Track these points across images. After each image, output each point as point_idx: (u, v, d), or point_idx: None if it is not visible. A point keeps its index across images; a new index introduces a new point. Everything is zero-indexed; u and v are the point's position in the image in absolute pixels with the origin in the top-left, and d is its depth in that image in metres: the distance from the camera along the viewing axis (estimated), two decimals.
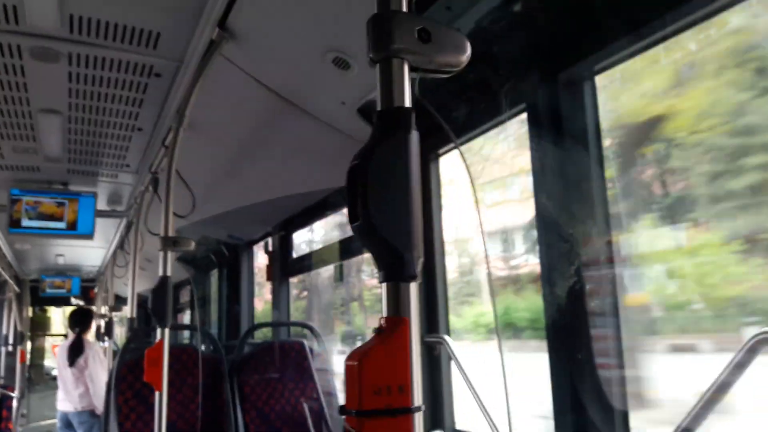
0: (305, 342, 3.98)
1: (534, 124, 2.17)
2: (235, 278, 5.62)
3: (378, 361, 0.71)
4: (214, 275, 6.64)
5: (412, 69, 0.84)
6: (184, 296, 8.12)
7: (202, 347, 4.48)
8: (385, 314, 0.76)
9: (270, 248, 4.85)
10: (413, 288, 0.77)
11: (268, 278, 4.82)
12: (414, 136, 0.79)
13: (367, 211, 0.74)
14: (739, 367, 1.52)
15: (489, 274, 0.93)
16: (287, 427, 3.66)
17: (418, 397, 0.74)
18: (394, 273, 0.76)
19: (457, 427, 2.81)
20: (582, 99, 2.06)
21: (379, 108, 0.81)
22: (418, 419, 0.73)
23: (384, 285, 0.77)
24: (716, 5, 1.68)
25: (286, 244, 4.77)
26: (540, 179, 2.14)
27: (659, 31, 1.81)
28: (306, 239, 4.93)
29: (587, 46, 1.99)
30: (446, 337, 2.76)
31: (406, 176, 0.77)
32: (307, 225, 4.61)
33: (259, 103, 2.71)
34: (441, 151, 2.86)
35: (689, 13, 1.73)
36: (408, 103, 0.81)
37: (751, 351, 1.49)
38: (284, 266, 4.75)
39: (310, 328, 4.13)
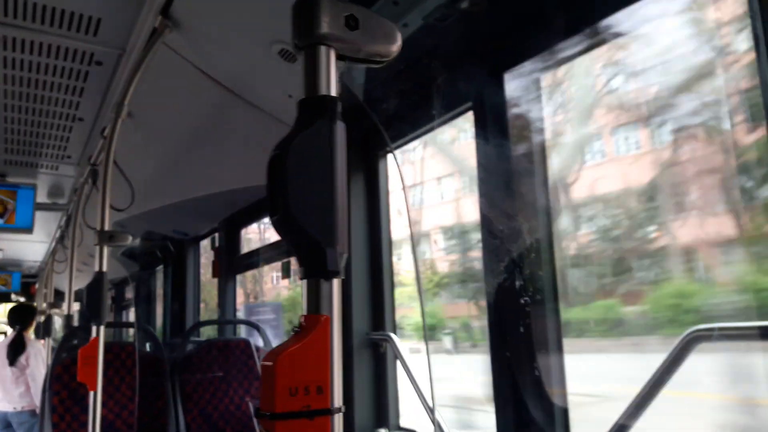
0: (251, 340, 3.92)
1: (479, 122, 2.16)
2: (180, 275, 5.51)
3: (295, 361, 0.68)
4: (161, 272, 6.51)
5: (339, 57, 0.81)
6: (130, 293, 7.94)
7: (147, 345, 4.37)
8: (305, 312, 0.73)
9: (216, 244, 4.76)
10: (336, 285, 0.74)
11: (214, 275, 4.73)
12: (339, 127, 0.76)
13: (286, 204, 0.71)
14: (673, 364, 1.54)
15: (417, 275, 0.90)
16: (231, 426, 3.60)
17: (338, 399, 0.71)
18: (315, 269, 0.73)
19: (402, 425, 2.80)
20: (526, 97, 2.07)
21: (304, 96, 0.78)
22: (338, 421, 0.70)
23: (304, 281, 0.74)
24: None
25: (233, 240, 4.68)
26: (484, 176, 2.14)
27: (604, 31, 1.82)
28: (254, 236, 4.86)
29: (532, 45, 2.00)
30: (392, 335, 2.75)
31: (330, 168, 0.74)
32: (255, 221, 4.54)
33: (203, 94, 2.64)
34: (393, 145, 2.84)
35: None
36: (334, 91, 0.78)
37: (686, 348, 1.51)
38: (231, 263, 4.67)
39: (256, 327, 4.06)
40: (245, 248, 4.72)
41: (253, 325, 4.13)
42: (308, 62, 0.79)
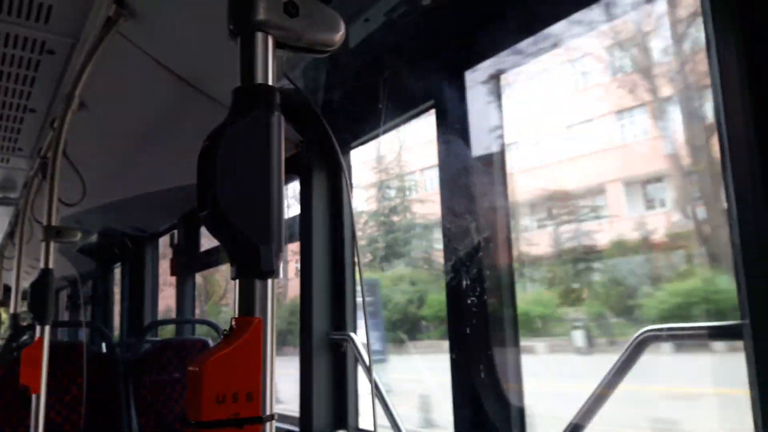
0: (209, 340, 3.84)
1: (441, 120, 2.15)
2: (138, 273, 5.39)
3: (223, 366, 0.63)
4: (119, 269, 6.37)
5: (278, 45, 0.77)
6: (86, 291, 7.77)
7: (103, 346, 4.27)
8: (236, 314, 0.69)
9: (175, 241, 4.66)
10: (269, 285, 0.70)
11: (172, 273, 4.64)
12: (277, 118, 0.72)
13: (216, 198, 0.67)
14: (626, 364, 1.55)
15: (361, 279, 0.87)
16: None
17: (269, 406, 0.67)
18: (248, 268, 0.68)
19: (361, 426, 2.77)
20: (487, 96, 2.06)
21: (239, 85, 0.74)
22: (270, 429, 0.66)
23: (236, 282, 0.70)
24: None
25: (192, 238, 4.59)
26: (446, 175, 2.12)
27: (562, 33, 1.82)
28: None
29: (493, 45, 1.99)
30: (352, 335, 2.72)
31: (265, 161, 0.69)
32: None
33: (160, 86, 2.58)
34: (353, 144, 2.82)
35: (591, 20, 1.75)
36: (271, 81, 0.74)
37: (637, 349, 1.52)
38: (190, 260, 4.58)
39: (215, 327, 3.99)
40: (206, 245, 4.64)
41: (211, 325, 4.05)
42: (244, 49, 0.75)
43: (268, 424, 0.66)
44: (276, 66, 0.76)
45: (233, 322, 0.68)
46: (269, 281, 0.70)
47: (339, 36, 0.82)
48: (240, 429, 0.63)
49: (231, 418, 0.63)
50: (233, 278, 0.70)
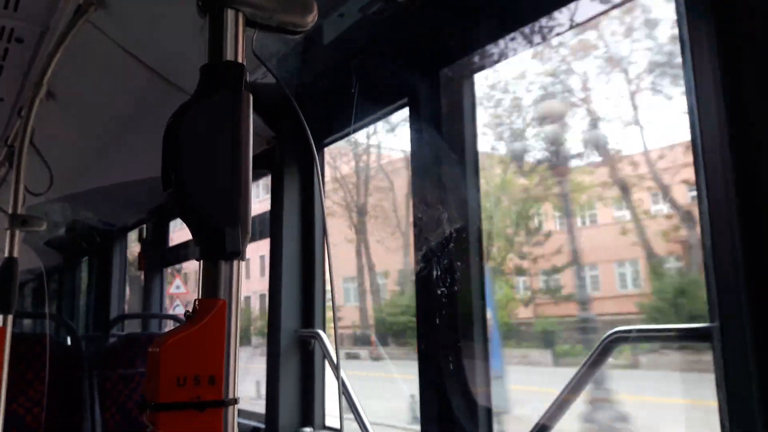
0: None
1: (414, 117, 2.15)
2: (106, 266, 5.31)
3: (184, 348, 0.62)
4: (87, 263, 6.28)
5: (249, 24, 0.76)
6: (53, 284, 7.64)
7: (68, 339, 4.19)
8: (199, 296, 0.68)
9: (144, 235, 4.60)
10: (235, 267, 0.69)
11: (140, 267, 4.58)
12: (245, 96, 0.71)
13: (180, 177, 0.65)
14: (593, 365, 1.56)
15: (331, 280, 0.86)
16: None
17: (232, 390, 0.66)
18: (213, 249, 0.67)
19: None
20: (460, 95, 2.07)
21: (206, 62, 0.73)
22: (232, 414, 0.65)
23: (201, 263, 0.68)
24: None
25: (161, 232, 4.54)
26: (418, 171, 2.12)
27: (535, 34, 1.84)
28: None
29: (468, 44, 2.00)
30: (320, 332, 2.71)
31: (233, 140, 0.68)
32: None
33: (130, 77, 2.54)
34: (327, 140, 2.81)
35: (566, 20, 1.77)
36: (241, 58, 0.73)
37: (605, 349, 1.53)
38: (159, 255, 4.52)
39: (179, 321, 3.94)
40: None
41: (177, 319, 4.01)
42: (213, 26, 0.73)
43: (230, 408, 0.65)
44: (246, 47, 0.75)
45: (196, 304, 0.67)
46: (235, 263, 0.69)
47: (311, 17, 0.81)
48: (201, 412, 0.62)
49: (192, 401, 0.62)
50: (197, 259, 0.69)
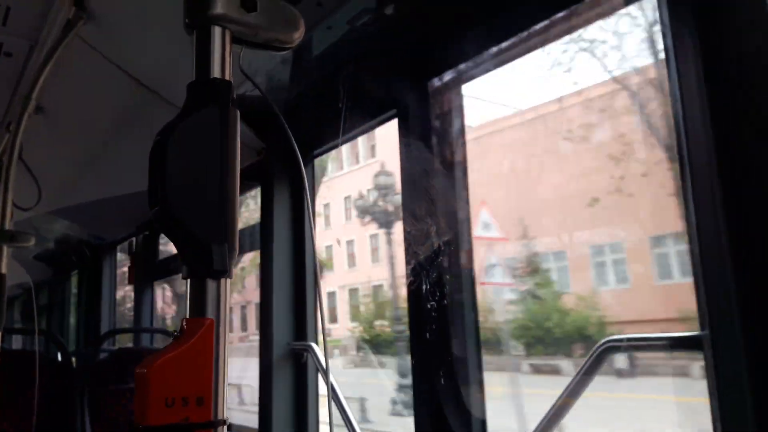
0: None
1: (403, 128, 2.15)
2: (96, 281, 5.27)
3: (172, 368, 0.61)
4: (76, 277, 6.23)
5: (236, 41, 0.76)
6: (43, 299, 7.58)
7: (59, 355, 4.15)
8: (187, 315, 0.67)
9: (133, 249, 4.58)
10: (223, 285, 0.68)
11: (130, 281, 4.55)
12: (233, 113, 0.70)
13: (166, 195, 0.65)
14: (588, 373, 1.56)
15: (317, 284, 0.86)
16: None
17: (221, 410, 0.65)
18: (199, 267, 0.66)
19: None
20: (449, 105, 2.07)
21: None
22: None
23: (188, 281, 0.68)
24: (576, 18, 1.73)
25: (151, 245, 4.52)
26: (407, 182, 2.12)
27: (522, 43, 1.85)
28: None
29: (456, 55, 2.00)
30: (313, 345, 2.70)
31: (220, 157, 0.68)
32: None
33: (120, 91, 2.54)
34: (317, 152, 2.81)
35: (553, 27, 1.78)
36: (228, 76, 0.73)
37: (598, 359, 1.53)
38: (149, 269, 4.50)
39: (171, 335, 3.91)
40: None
41: (168, 334, 3.97)
42: (199, 43, 0.73)
43: (219, 429, 0.64)
44: (232, 63, 0.75)
45: (184, 323, 0.66)
46: (222, 281, 0.68)
47: (298, 34, 0.81)
48: None
49: (180, 422, 0.61)
50: (184, 278, 0.68)
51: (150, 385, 0.60)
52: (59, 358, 4.04)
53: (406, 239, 2.04)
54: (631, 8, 1.57)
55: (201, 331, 0.64)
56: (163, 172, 0.66)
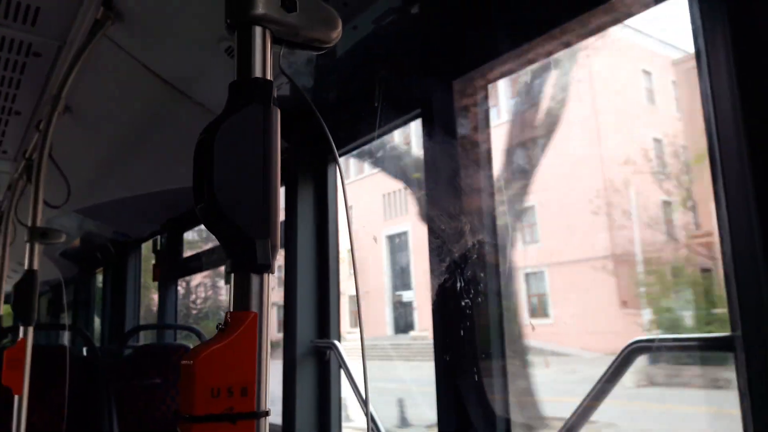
0: (191, 346, 3.80)
1: (428, 128, 2.16)
2: (121, 278, 5.34)
3: (217, 360, 0.63)
4: (102, 274, 6.32)
5: (276, 41, 0.78)
6: (70, 296, 7.68)
7: (84, 350, 4.21)
8: (231, 308, 0.69)
9: (158, 247, 4.63)
10: (266, 279, 0.70)
11: (155, 279, 4.60)
12: (274, 112, 0.72)
13: (212, 192, 0.66)
14: (615, 374, 1.55)
15: (356, 282, 0.87)
16: None
17: (264, 401, 0.67)
18: (244, 262, 0.68)
19: None
20: (474, 105, 2.07)
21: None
22: (264, 425, 0.66)
23: (232, 276, 0.70)
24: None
25: (175, 243, 4.57)
26: (432, 181, 2.13)
27: (548, 43, 1.84)
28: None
29: (481, 54, 2.01)
30: (336, 342, 2.72)
31: (262, 154, 0.69)
32: (199, 223, 4.44)
33: (146, 91, 2.57)
34: (340, 152, 2.82)
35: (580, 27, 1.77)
36: (269, 75, 0.74)
37: (626, 359, 1.52)
38: (173, 266, 4.55)
39: (197, 332, 3.96)
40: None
41: (193, 330, 4.02)
42: (241, 43, 0.75)
43: (262, 420, 0.66)
44: (273, 62, 0.76)
45: (228, 316, 0.68)
46: (265, 275, 0.70)
47: (336, 33, 0.83)
48: (234, 424, 0.63)
49: (225, 412, 0.63)
50: (228, 272, 0.70)
51: (196, 376, 0.62)
52: (85, 353, 4.11)
53: (430, 237, 2.05)
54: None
55: (245, 324, 0.66)
56: (209, 170, 0.67)
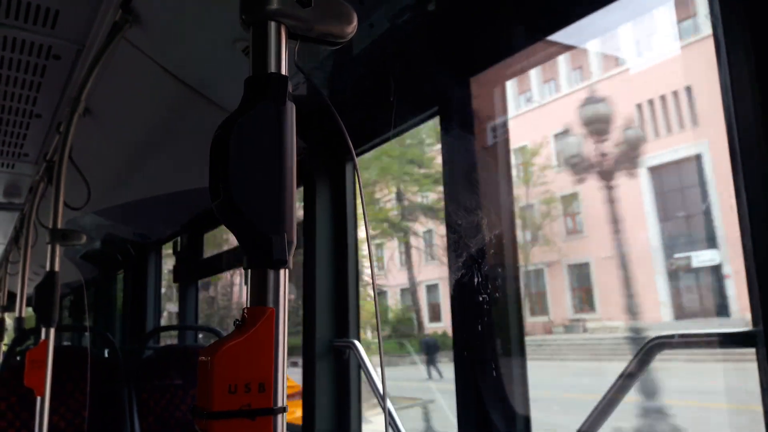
0: None
1: (446, 125, 2.15)
2: (141, 279, 5.38)
3: (235, 356, 0.63)
4: (121, 276, 6.37)
5: (291, 36, 0.77)
6: (91, 297, 7.76)
7: (105, 351, 4.26)
8: (247, 304, 0.68)
9: (178, 248, 4.66)
10: (282, 275, 0.70)
11: (175, 280, 4.63)
12: (289, 107, 0.72)
13: (228, 188, 0.66)
14: (636, 370, 1.54)
15: (374, 282, 0.86)
16: None
17: (281, 398, 0.66)
18: (260, 258, 0.68)
19: None
20: (491, 103, 2.06)
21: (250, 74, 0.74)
22: (281, 421, 0.66)
23: (249, 272, 0.69)
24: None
25: (195, 244, 4.59)
26: (451, 178, 2.12)
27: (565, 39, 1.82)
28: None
29: (499, 50, 1.99)
30: (355, 342, 2.71)
31: (278, 150, 0.69)
32: (219, 224, 4.46)
33: (165, 92, 2.58)
34: (357, 150, 2.82)
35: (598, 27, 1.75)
36: (284, 70, 0.74)
37: (647, 355, 1.51)
38: (193, 267, 4.57)
39: (216, 333, 3.98)
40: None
41: (213, 331, 4.04)
42: (256, 39, 0.74)
43: (279, 416, 0.66)
44: (288, 58, 0.76)
45: (245, 312, 0.68)
46: (282, 271, 0.70)
47: (351, 28, 0.82)
48: (252, 420, 0.63)
49: (243, 408, 0.63)
50: (245, 268, 0.70)
51: (214, 372, 0.62)
52: (106, 354, 4.15)
53: (448, 233, 2.04)
54: None
55: (262, 320, 0.66)
56: (224, 166, 0.67)
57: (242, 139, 0.69)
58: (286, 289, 0.70)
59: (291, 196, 0.70)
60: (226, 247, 4.35)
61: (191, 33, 2.17)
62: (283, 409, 0.66)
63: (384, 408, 0.91)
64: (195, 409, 0.64)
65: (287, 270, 0.71)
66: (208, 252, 4.58)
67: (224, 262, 4.27)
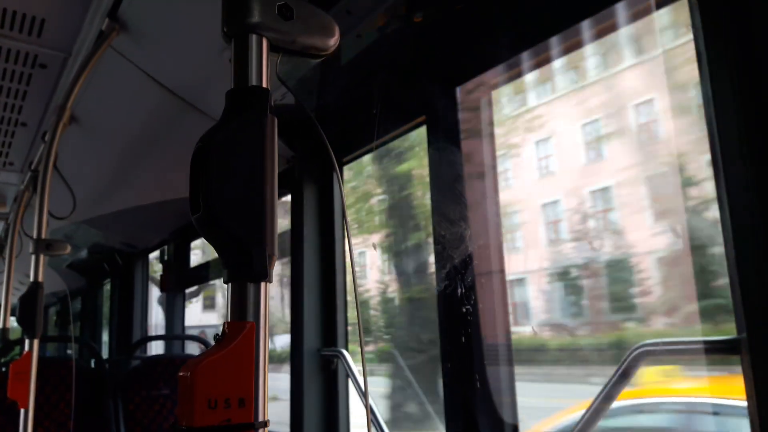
0: None
1: (432, 134, 2.15)
2: (128, 289, 5.35)
3: (215, 370, 0.62)
4: (109, 285, 6.32)
5: (273, 49, 0.77)
6: (77, 307, 7.70)
7: (92, 362, 4.22)
8: (228, 318, 0.68)
9: (165, 257, 4.64)
10: (263, 289, 0.69)
11: (162, 288, 4.61)
12: (270, 120, 0.72)
13: (208, 201, 0.66)
14: (622, 378, 1.54)
15: (355, 288, 0.86)
16: None
17: (262, 412, 0.66)
18: (240, 271, 0.68)
19: None
20: (478, 111, 2.07)
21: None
22: None
23: (229, 285, 0.69)
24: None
25: (182, 253, 4.57)
26: (437, 187, 2.13)
27: (552, 48, 1.84)
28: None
29: (485, 60, 2.00)
30: (344, 351, 2.70)
31: (258, 163, 0.69)
32: None
33: (152, 101, 2.58)
34: (345, 159, 2.82)
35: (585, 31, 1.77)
36: (265, 83, 0.74)
37: (633, 363, 1.51)
38: (181, 276, 4.55)
39: (204, 342, 3.96)
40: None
41: (201, 341, 4.02)
42: (238, 51, 0.74)
43: (260, 431, 0.65)
44: (270, 71, 0.76)
45: (225, 326, 0.67)
46: (262, 285, 0.69)
47: (333, 40, 0.82)
48: None
49: (223, 423, 0.62)
50: (225, 282, 0.70)
51: (194, 387, 0.61)
52: (92, 365, 4.12)
53: (435, 243, 2.04)
54: None
55: (243, 334, 0.65)
56: (204, 178, 0.67)
57: (223, 152, 0.68)
58: (267, 302, 0.69)
59: (272, 209, 0.70)
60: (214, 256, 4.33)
61: (178, 42, 2.16)
62: (265, 424, 0.66)
63: (367, 416, 0.91)
64: (175, 426, 0.63)
65: (267, 284, 0.70)
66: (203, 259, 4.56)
67: (211, 271, 4.25)
